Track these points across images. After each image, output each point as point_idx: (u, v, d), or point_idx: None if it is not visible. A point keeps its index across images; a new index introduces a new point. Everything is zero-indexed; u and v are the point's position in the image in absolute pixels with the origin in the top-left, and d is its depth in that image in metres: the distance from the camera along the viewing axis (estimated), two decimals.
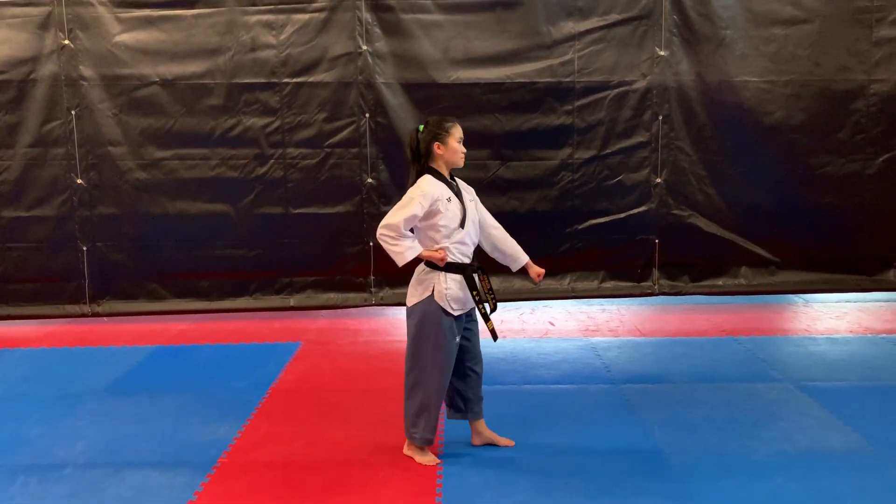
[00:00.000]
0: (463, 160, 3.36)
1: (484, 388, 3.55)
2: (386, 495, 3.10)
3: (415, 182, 3.31)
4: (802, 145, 5.45)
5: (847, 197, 5.52)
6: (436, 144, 3.30)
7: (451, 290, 3.26)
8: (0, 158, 5.31)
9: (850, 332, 5.34)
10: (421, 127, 3.33)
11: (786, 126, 5.42)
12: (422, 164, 3.34)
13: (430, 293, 3.26)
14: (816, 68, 5.37)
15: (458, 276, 3.29)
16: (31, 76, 5.23)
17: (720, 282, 5.66)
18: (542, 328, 5.53)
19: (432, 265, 3.28)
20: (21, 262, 5.42)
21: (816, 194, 5.51)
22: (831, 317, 5.73)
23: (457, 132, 3.33)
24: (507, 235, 3.53)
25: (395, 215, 3.23)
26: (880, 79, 5.38)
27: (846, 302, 6.07)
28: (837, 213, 5.54)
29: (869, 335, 5.24)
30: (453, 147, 3.31)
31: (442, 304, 3.25)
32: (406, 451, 3.40)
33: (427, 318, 3.26)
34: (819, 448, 3.47)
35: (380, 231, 3.25)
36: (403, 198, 3.27)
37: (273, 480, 3.24)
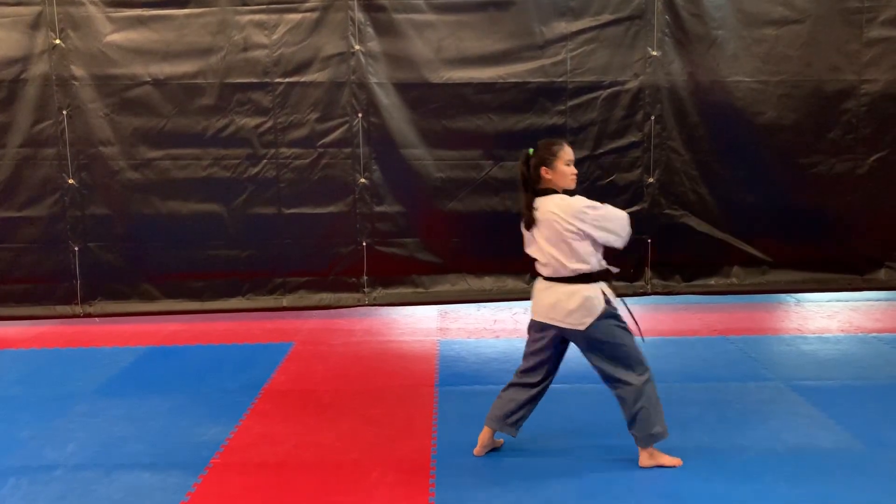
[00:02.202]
0: (574, 182, 3.28)
1: (476, 387, 3.56)
2: (379, 495, 3.10)
3: (531, 206, 3.25)
4: (794, 145, 5.47)
5: (838, 196, 5.55)
6: (543, 169, 3.23)
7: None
8: None
9: (842, 331, 5.36)
10: (531, 151, 3.26)
11: (777, 126, 5.44)
12: (534, 189, 3.26)
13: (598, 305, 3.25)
14: (807, 68, 5.39)
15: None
16: (22, 76, 5.21)
17: (712, 281, 5.68)
18: None
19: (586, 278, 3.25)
20: (12, 263, 5.39)
21: (808, 194, 5.54)
22: (823, 316, 5.75)
23: (565, 155, 3.24)
24: None
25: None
26: (871, 79, 5.41)
27: (837, 301, 6.10)
28: (829, 212, 5.57)
29: (860, 334, 5.26)
30: (562, 171, 3.24)
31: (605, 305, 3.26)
32: (648, 461, 3.30)
33: (608, 322, 3.26)
34: (810, 447, 3.49)
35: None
36: (596, 205, 3.22)
37: (266, 481, 3.24)
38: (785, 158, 5.50)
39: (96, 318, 5.53)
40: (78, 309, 5.46)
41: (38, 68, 5.21)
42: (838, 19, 5.36)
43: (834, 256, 5.65)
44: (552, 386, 3.47)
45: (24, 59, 5.20)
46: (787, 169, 5.51)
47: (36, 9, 5.16)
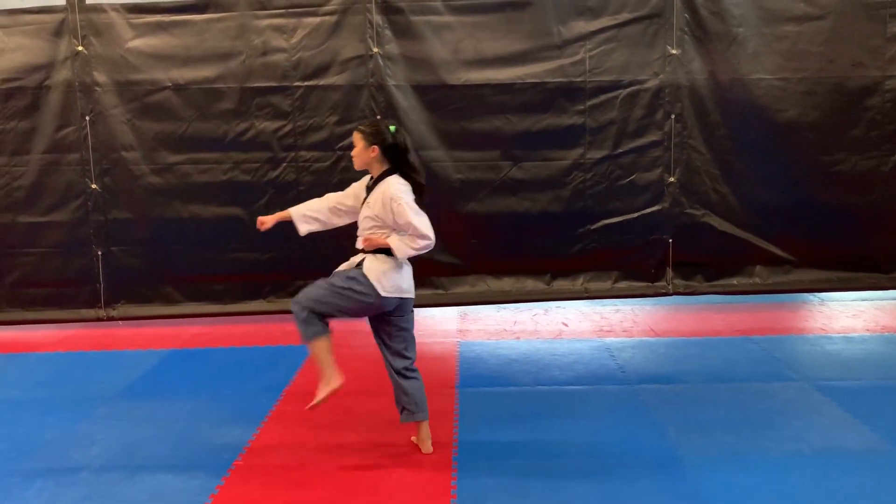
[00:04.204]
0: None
1: (497, 389, 3.55)
2: (400, 497, 3.10)
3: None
4: (816, 143, 5.41)
5: (862, 194, 5.47)
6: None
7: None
8: (16, 164, 5.36)
9: (867, 330, 5.29)
10: (392, 128, 3.41)
11: (799, 123, 5.38)
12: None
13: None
14: (830, 65, 5.32)
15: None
16: (46, 83, 5.28)
17: (735, 281, 5.63)
18: (555, 329, 5.52)
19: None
20: (37, 267, 5.46)
21: (831, 192, 5.47)
22: (847, 315, 5.68)
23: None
24: None
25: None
26: (895, 75, 5.33)
27: (862, 300, 6.02)
28: (852, 210, 5.49)
29: (886, 334, 5.18)
30: None
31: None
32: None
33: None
34: (835, 447, 3.44)
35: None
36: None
37: (287, 483, 3.25)
38: (807, 156, 5.43)
39: (119, 322, 5.58)
40: (101, 312, 5.52)
41: (62, 75, 5.27)
42: (861, 14, 5.29)
43: (858, 255, 5.57)
44: (572, 387, 3.46)
45: (48, 66, 5.27)
46: (809, 167, 5.44)
47: (59, 16, 5.23)
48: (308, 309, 3.32)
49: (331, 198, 3.65)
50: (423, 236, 3.27)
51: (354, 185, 3.58)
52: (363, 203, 3.45)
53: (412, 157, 3.41)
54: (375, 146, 3.37)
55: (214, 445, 3.63)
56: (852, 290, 5.82)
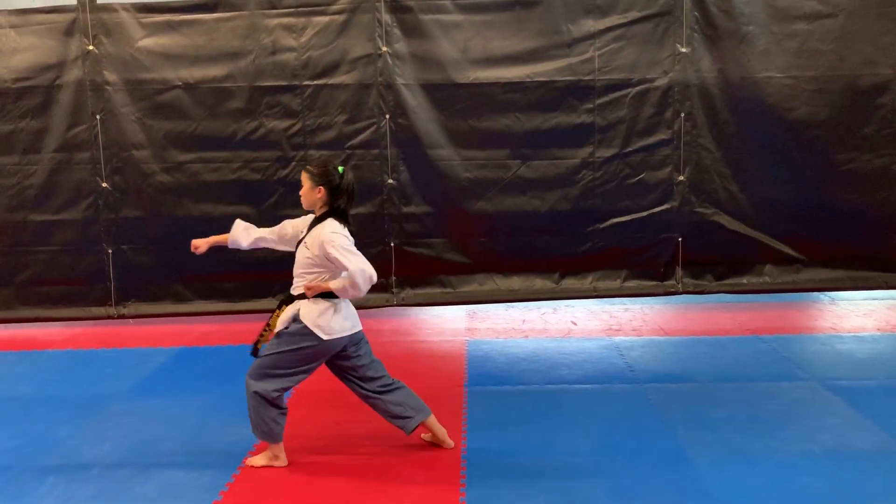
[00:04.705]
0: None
1: (505, 387, 3.55)
2: (410, 495, 3.11)
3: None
4: (827, 141, 5.38)
5: (873, 193, 5.44)
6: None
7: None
8: (27, 163, 5.39)
9: (878, 329, 5.27)
10: (341, 169, 3.35)
11: (810, 122, 5.36)
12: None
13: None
14: (841, 63, 5.30)
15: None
16: (57, 82, 5.31)
17: (744, 280, 5.61)
18: (564, 328, 5.52)
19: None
20: (48, 265, 5.50)
21: (842, 191, 5.44)
22: (858, 315, 5.66)
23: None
24: None
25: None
26: None
27: (873, 300, 6.00)
28: (864, 209, 5.46)
29: None
30: None
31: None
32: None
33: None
34: (845, 447, 3.43)
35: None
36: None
37: (297, 480, 3.27)
38: (818, 155, 5.41)
39: (130, 320, 5.61)
40: (112, 310, 5.55)
41: (73, 74, 5.30)
42: (873, 12, 5.26)
43: (869, 254, 5.55)
44: (581, 386, 3.46)
45: (59, 66, 5.29)
46: (820, 165, 5.42)
47: (70, 16, 5.26)
48: (260, 389, 3.27)
49: (272, 228, 3.63)
50: (361, 273, 3.15)
51: (301, 218, 3.52)
52: (300, 241, 3.39)
53: (350, 206, 3.37)
54: (321, 187, 3.32)
55: (225, 442, 3.65)
56: (863, 290, 5.79)
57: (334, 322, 3.30)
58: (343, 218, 3.35)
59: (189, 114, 5.34)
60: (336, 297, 3.29)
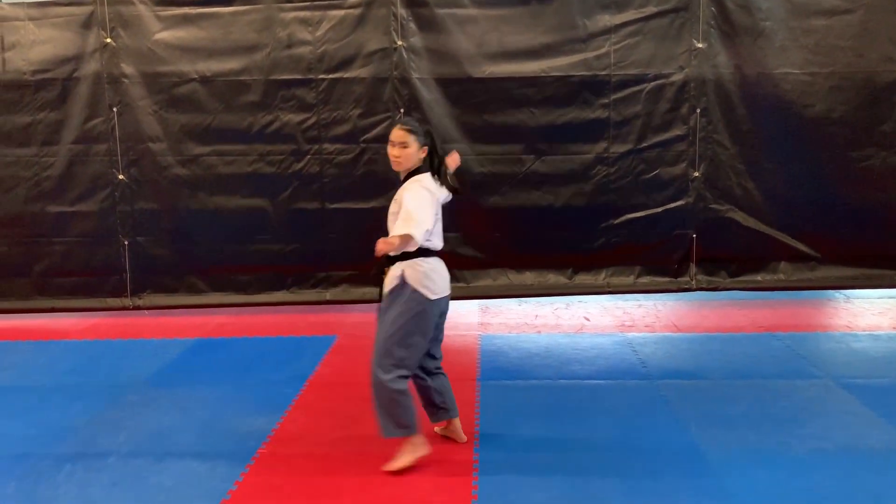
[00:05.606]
0: (393, 163, 3.39)
1: (518, 382, 3.56)
2: (423, 489, 3.12)
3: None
4: (844, 138, 5.34)
5: (891, 190, 5.39)
6: None
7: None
8: (45, 155, 5.44)
9: (894, 328, 5.24)
10: None
11: (827, 119, 5.32)
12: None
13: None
14: (859, 59, 5.25)
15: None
16: (75, 74, 5.35)
17: (759, 277, 5.58)
18: (577, 323, 5.52)
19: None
20: (65, 256, 5.55)
21: (859, 188, 5.40)
22: (874, 313, 5.62)
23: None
24: None
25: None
26: None
27: (889, 298, 5.96)
28: (880, 207, 5.42)
29: None
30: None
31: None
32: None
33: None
34: (859, 446, 3.42)
35: (413, 228, 3.16)
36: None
37: (311, 472, 3.29)
38: (835, 152, 5.37)
39: (145, 311, 5.65)
40: (127, 301, 5.59)
41: (90, 66, 5.34)
42: (891, 8, 5.20)
43: (885, 252, 5.50)
44: (593, 382, 3.46)
45: (77, 58, 5.33)
46: (837, 163, 5.38)
47: (88, 8, 5.29)
48: (390, 379, 3.19)
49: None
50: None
51: (408, 189, 3.37)
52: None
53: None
54: (426, 147, 3.33)
55: (239, 433, 3.68)
56: (879, 288, 5.76)
57: (439, 281, 3.29)
58: (438, 174, 3.36)
59: (205, 107, 5.36)
60: (431, 254, 3.28)
